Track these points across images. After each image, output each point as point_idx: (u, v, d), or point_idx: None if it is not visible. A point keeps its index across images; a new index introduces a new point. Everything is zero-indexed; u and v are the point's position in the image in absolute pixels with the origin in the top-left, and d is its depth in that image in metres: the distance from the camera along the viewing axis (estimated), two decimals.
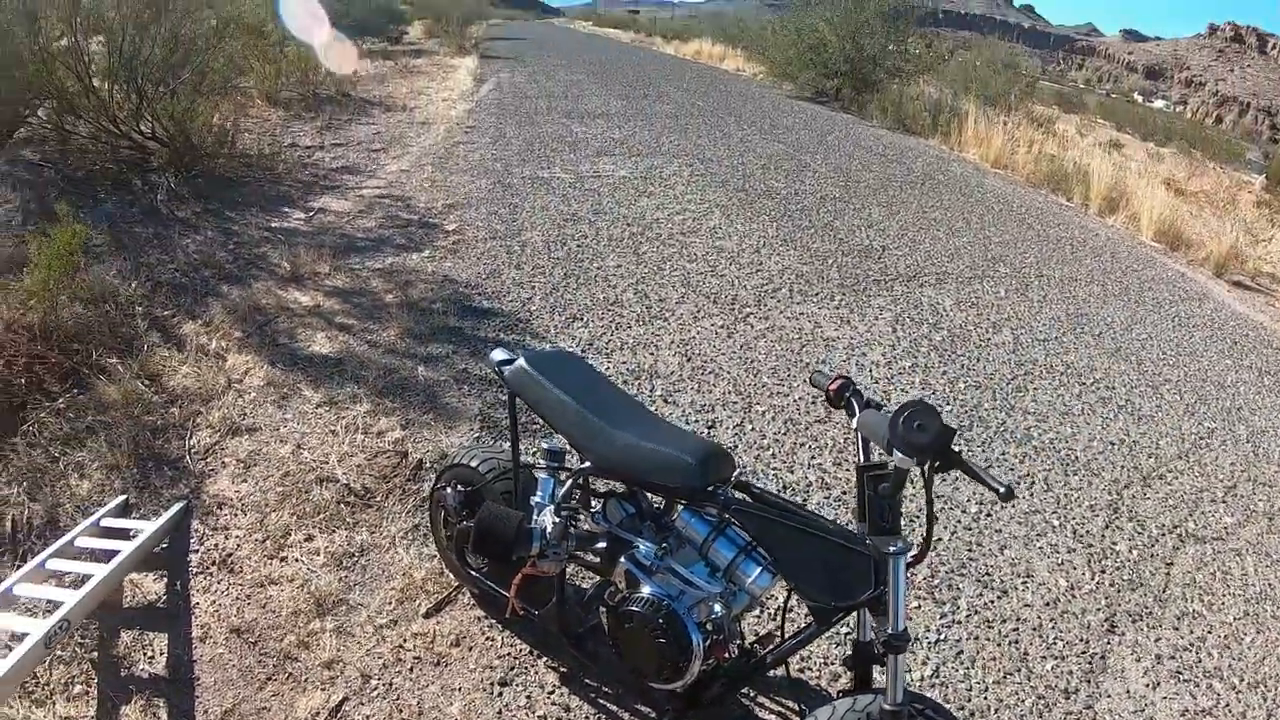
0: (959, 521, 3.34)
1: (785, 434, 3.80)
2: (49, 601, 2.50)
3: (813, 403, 4.04)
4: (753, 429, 3.81)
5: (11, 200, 5.26)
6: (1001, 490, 1.56)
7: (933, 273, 6.23)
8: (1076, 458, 4.02)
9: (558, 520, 2.16)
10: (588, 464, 2.17)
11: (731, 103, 14.62)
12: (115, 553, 2.67)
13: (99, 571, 2.55)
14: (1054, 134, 16.43)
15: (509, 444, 2.35)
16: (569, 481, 2.23)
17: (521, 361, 2.26)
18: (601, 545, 2.19)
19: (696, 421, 3.81)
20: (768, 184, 8.19)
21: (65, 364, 3.69)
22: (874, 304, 5.42)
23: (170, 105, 6.58)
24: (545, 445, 2.24)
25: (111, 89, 6.72)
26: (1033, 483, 3.73)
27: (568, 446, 2.21)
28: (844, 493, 3.39)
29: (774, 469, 3.53)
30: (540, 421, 2.43)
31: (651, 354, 4.39)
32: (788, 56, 17.37)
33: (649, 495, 2.22)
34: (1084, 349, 5.34)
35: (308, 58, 11.50)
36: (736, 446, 3.66)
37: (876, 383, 4.37)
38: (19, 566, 2.72)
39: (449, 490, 2.50)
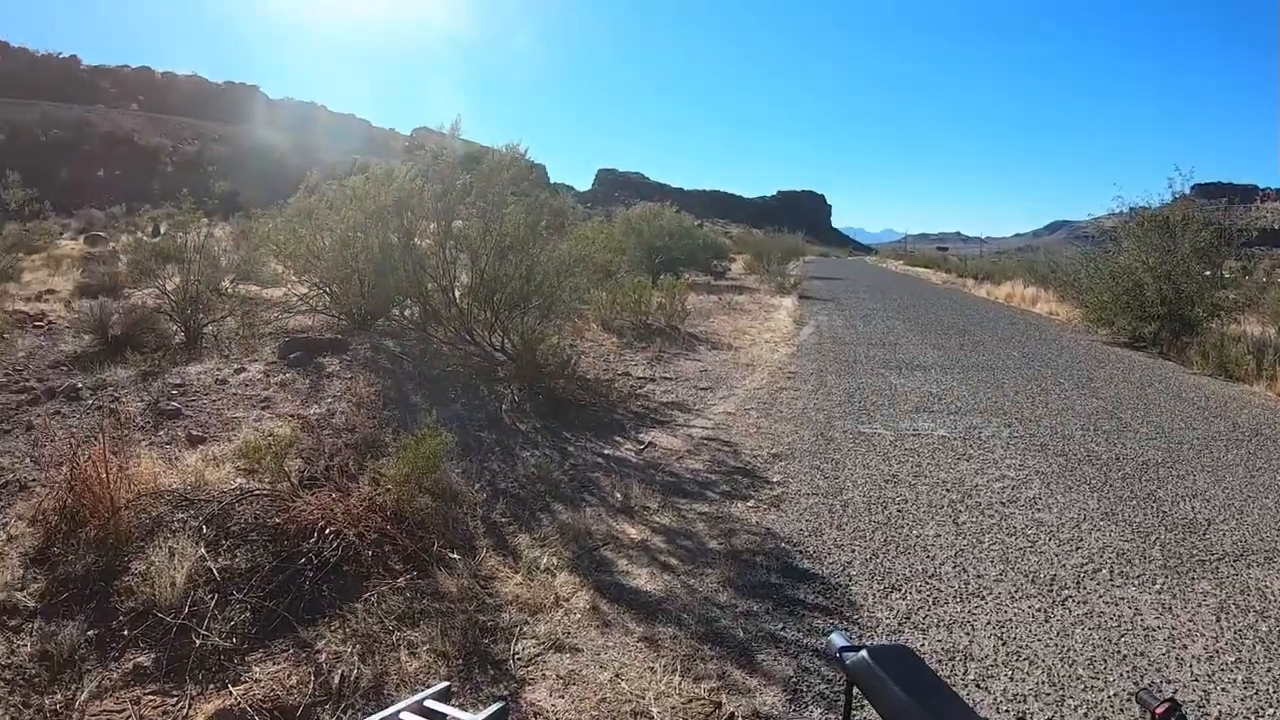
0: None
1: None
2: None
3: (1128, 700, 3.99)
4: None
5: (375, 385, 6.72)
6: None
7: (1260, 550, 5.87)
8: None
9: None
10: None
11: (1047, 352, 15.26)
12: None
13: None
14: None
15: None
16: None
17: (865, 654, 2.67)
18: None
19: (1007, 711, 3.90)
20: (1088, 447, 8.32)
21: (410, 548, 4.66)
22: (1197, 588, 5.22)
23: (520, 324, 8.08)
24: None
25: (470, 304, 8.39)
26: None
27: None
28: None
29: None
30: (862, 701, 2.77)
31: (967, 634, 4.57)
32: (1101, 301, 18.22)
33: None
34: None
35: (642, 289, 13.43)
36: None
37: (1196, 680, 4.21)
38: None
39: None
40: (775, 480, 6.75)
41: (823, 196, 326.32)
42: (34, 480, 5.48)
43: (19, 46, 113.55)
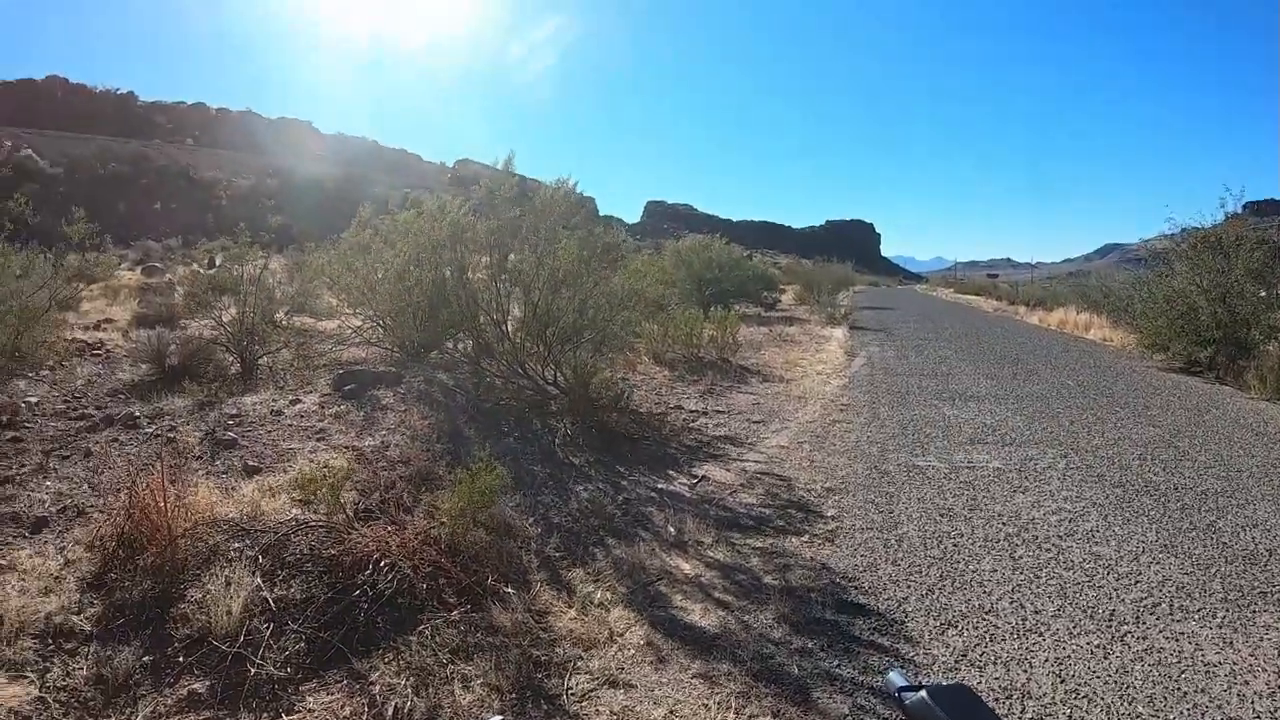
0: None
1: None
2: None
3: None
4: None
5: (429, 418, 6.82)
6: None
7: None
8: None
9: None
10: None
11: (1101, 380, 15.20)
12: None
13: None
14: None
15: None
16: None
17: (924, 694, 2.64)
18: None
19: None
20: (1145, 477, 8.24)
21: (464, 581, 4.72)
22: (1259, 621, 5.10)
23: (573, 358, 8.17)
24: None
25: (523, 337, 8.50)
26: None
27: None
28: None
29: None
30: None
31: (1025, 672, 4.51)
32: (1155, 326, 18.07)
33: None
34: None
35: (694, 322, 13.57)
36: None
37: (1259, 717, 4.10)
38: None
39: None
40: (830, 514, 6.74)
41: (871, 225, 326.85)
42: (92, 506, 5.63)
43: (77, 83, 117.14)
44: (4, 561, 4.75)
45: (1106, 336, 23.79)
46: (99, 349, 12.11)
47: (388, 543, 4.80)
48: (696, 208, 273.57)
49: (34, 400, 8.39)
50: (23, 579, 4.56)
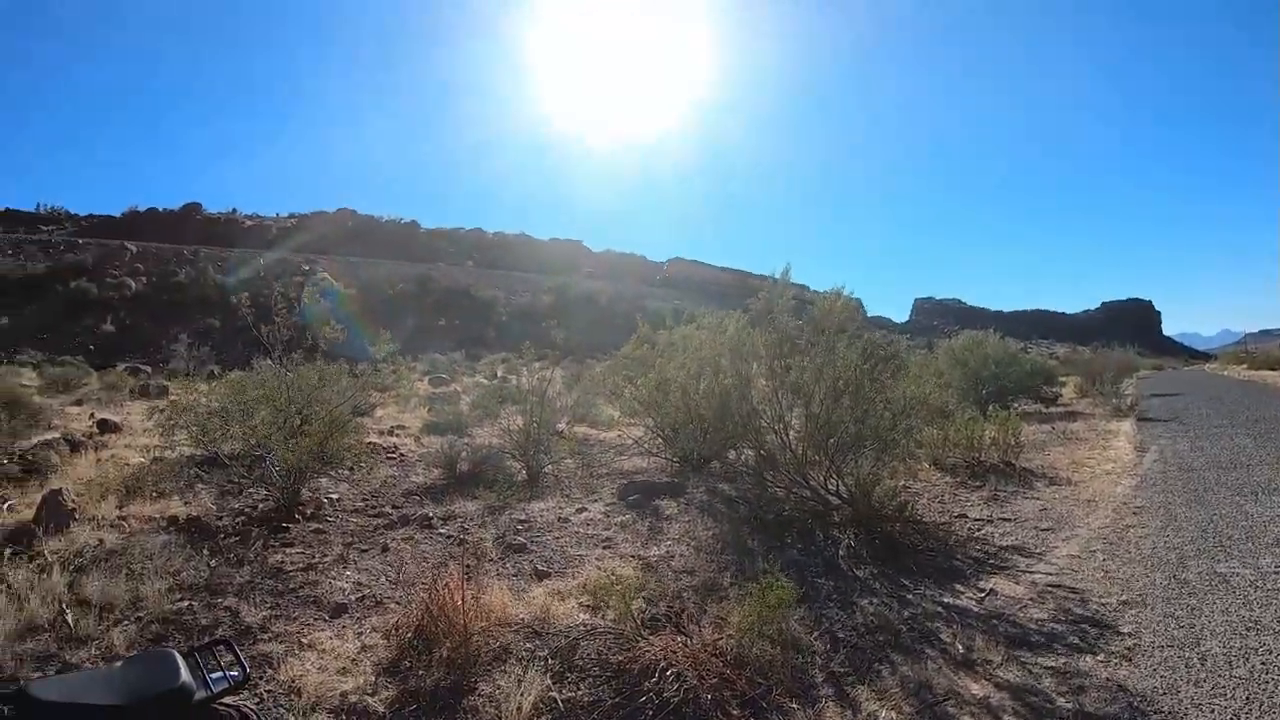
0: None
1: None
2: None
3: None
4: None
5: (712, 529, 7.01)
6: None
7: None
8: None
9: None
10: None
11: None
12: None
13: None
14: None
15: None
16: None
17: None
18: None
19: None
20: None
21: (749, 694, 4.77)
22: None
23: (854, 468, 8.15)
24: None
25: (805, 448, 8.57)
26: None
27: None
28: None
29: None
30: None
31: None
32: None
33: None
34: None
35: (974, 425, 13.20)
36: None
37: None
38: None
39: None
40: (1126, 631, 6.27)
41: (1150, 303, 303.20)
42: (389, 598, 6.20)
43: (365, 215, 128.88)
44: (306, 641, 5.32)
45: None
46: (393, 453, 13.22)
47: (674, 652, 4.94)
48: (965, 301, 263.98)
49: (335, 497, 9.32)
50: (322, 658, 5.09)
